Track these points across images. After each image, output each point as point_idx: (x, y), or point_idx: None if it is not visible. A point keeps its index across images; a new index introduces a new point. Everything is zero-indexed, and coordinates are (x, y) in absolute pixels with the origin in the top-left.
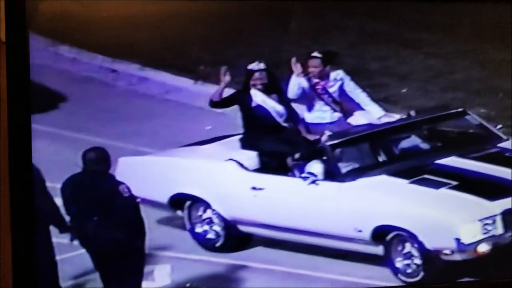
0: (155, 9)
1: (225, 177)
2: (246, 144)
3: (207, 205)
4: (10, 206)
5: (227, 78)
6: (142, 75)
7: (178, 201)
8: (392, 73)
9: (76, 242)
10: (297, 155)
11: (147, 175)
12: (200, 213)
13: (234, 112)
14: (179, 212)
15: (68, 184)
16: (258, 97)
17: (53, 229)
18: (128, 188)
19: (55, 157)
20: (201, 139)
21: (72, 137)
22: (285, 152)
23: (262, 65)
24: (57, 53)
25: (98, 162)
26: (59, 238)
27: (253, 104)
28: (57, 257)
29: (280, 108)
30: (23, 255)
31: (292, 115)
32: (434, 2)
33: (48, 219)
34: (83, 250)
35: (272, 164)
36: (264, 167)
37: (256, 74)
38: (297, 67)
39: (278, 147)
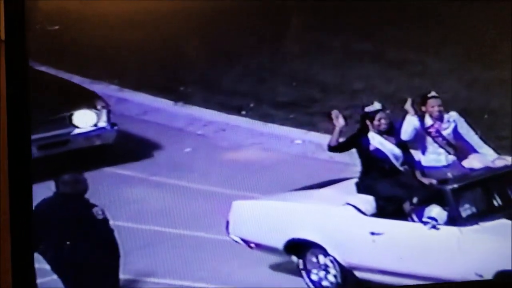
0: (136, 29)
1: (342, 222)
2: (362, 188)
3: (323, 251)
4: (10, 203)
5: (341, 121)
6: (120, 96)
7: (294, 246)
8: (376, 93)
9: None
10: (415, 199)
11: (262, 219)
12: (316, 258)
13: (214, 133)
14: (294, 258)
15: (41, 207)
16: (375, 140)
17: None
18: (102, 210)
19: None
20: (180, 161)
21: None
22: (402, 196)
23: (378, 106)
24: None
25: (71, 185)
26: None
27: (371, 148)
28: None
29: (397, 151)
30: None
31: (408, 158)
32: (420, 21)
33: None
34: (55, 276)
35: (390, 208)
36: (382, 212)
37: (377, 116)
38: (412, 108)
39: (395, 191)
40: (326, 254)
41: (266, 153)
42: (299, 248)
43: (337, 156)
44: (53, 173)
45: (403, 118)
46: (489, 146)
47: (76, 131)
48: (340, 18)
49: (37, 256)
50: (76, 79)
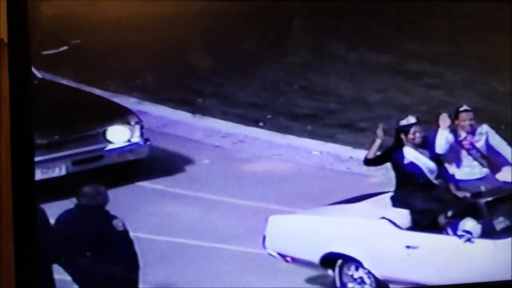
0: (154, 42)
1: (377, 236)
2: (397, 202)
3: (359, 264)
4: (13, 206)
5: (381, 134)
6: (140, 109)
7: (329, 260)
8: (393, 105)
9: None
10: (450, 213)
11: (298, 234)
12: (351, 272)
13: (232, 145)
14: (330, 272)
15: (62, 219)
16: (410, 154)
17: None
18: (122, 222)
19: None
20: (199, 172)
21: None
22: (437, 210)
23: (413, 119)
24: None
25: (92, 197)
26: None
27: (406, 161)
28: None
29: (432, 164)
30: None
31: (442, 172)
32: (437, 33)
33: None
34: (75, 286)
35: (424, 222)
36: (417, 225)
37: (411, 130)
38: (445, 121)
39: (430, 205)
40: (361, 267)
41: (284, 165)
42: (335, 261)
43: (354, 167)
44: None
45: (436, 132)
46: None
47: (110, 146)
48: (357, 30)
49: (57, 267)
50: (97, 92)
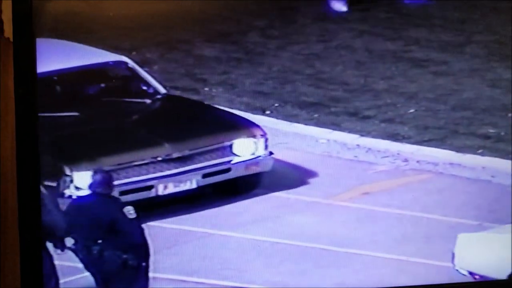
0: (159, 28)
1: None
2: None
3: None
4: (18, 205)
5: None
6: None
7: None
8: (399, 93)
9: (80, 265)
10: None
11: (487, 252)
12: None
13: None
14: None
15: (72, 206)
16: None
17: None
18: (133, 210)
19: None
20: None
21: None
22: None
23: None
24: None
25: (103, 185)
26: (62, 261)
27: None
28: (61, 280)
29: None
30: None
31: None
32: (442, 20)
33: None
34: (87, 273)
35: None
36: None
37: None
38: None
39: None
40: None
41: (291, 152)
42: None
43: (362, 155)
44: (216, 200)
45: None
46: None
47: (236, 159)
48: (362, 18)
49: (70, 254)
50: None
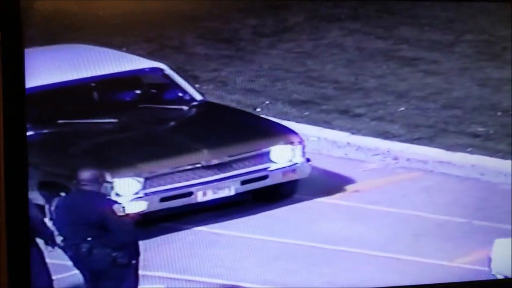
0: (150, 25)
1: None
2: None
3: None
4: (6, 207)
5: None
6: None
7: None
8: (390, 91)
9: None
10: None
11: None
12: None
13: None
14: None
15: (62, 204)
16: None
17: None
18: (123, 207)
19: None
20: None
21: None
22: None
23: None
24: None
25: (92, 182)
26: (53, 259)
27: None
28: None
29: None
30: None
31: None
32: (432, 20)
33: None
34: (76, 271)
35: None
36: None
37: None
38: None
39: None
40: None
41: None
42: None
43: (352, 153)
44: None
45: None
46: None
47: (274, 166)
48: (353, 17)
49: (59, 252)
50: None
